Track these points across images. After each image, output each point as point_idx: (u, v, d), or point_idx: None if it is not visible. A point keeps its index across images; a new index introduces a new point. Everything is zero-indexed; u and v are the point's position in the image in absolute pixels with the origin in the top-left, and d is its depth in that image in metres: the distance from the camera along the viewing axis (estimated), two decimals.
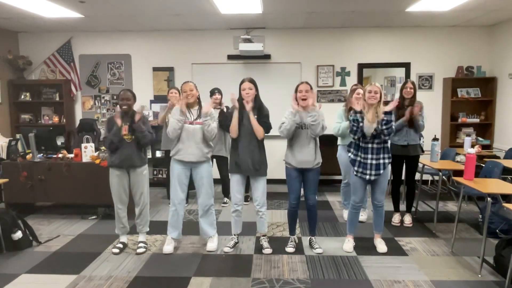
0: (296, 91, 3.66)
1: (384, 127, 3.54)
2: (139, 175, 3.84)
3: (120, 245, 3.93)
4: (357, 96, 4.35)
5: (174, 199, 3.82)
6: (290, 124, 3.58)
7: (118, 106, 3.84)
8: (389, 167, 3.79)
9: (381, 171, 3.67)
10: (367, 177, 3.69)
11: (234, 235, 4.00)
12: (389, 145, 3.72)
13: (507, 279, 3.04)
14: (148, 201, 3.97)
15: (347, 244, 3.89)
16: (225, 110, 5.01)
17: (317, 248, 3.85)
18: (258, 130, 3.65)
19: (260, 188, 3.79)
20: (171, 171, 3.82)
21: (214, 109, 5.07)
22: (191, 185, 3.92)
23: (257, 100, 3.72)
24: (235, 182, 3.82)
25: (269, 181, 3.86)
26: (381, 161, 3.66)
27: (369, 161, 3.66)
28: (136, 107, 3.87)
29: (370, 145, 3.64)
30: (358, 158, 3.71)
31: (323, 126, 3.61)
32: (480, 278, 3.28)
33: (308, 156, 3.67)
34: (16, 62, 6.50)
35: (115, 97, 6.80)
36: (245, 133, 3.70)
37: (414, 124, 4.35)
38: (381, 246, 3.86)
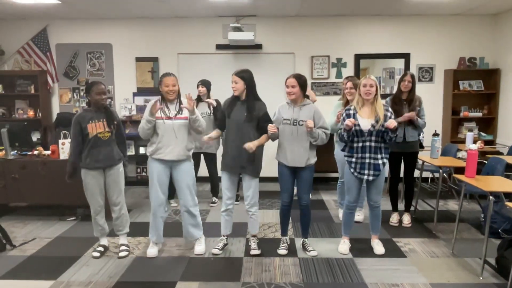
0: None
1: (391, 135, 3.59)
2: (116, 172, 3.80)
3: (101, 249, 3.91)
4: (347, 91, 4.33)
5: (154, 201, 3.78)
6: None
7: (91, 102, 3.67)
8: (387, 166, 3.81)
9: (380, 171, 3.69)
10: (365, 177, 3.71)
11: (223, 236, 4.00)
12: (387, 145, 3.72)
13: (510, 282, 3.08)
14: (124, 200, 3.94)
15: (343, 246, 3.92)
16: (215, 103, 4.99)
17: (311, 250, 3.87)
18: (264, 141, 3.70)
19: (250, 188, 3.77)
20: (150, 171, 3.77)
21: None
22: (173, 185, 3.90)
23: (248, 95, 3.68)
24: (225, 178, 3.81)
25: (261, 179, 3.86)
26: (380, 161, 3.66)
27: (367, 161, 3.67)
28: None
29: (368, 144, 3.64)
30: (354, 159, 3.72)
31: (326, 136, 3.64)
32: (481, 281, 3.33)
33: (300, 154, 3.63)
34: None
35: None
36: (233, 128, 3.69)
37: (413, 123, 4.37)
38: (378, 248, 3.89)
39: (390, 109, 3.69)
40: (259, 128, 3.67)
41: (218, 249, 3.90)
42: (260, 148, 3.75)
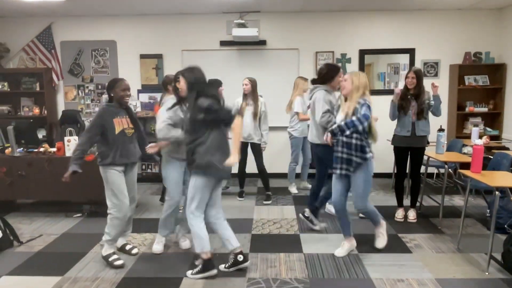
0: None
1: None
2: (135, 170, 3.78)
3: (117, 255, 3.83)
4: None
5: (168, 199, 3.73)
6: None
7: (113, 99, 3.60)
8: (369, 168, 3.56)
9: (353, 167, 3.51)
10: (338, 171, 3.58)
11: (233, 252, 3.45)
12: (364, 143, 3.48)
13: None
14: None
15: (339, 250, 3.78)
16: None
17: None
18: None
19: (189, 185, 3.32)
20: (165, 169, 3.70)
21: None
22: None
23: (190, 96, 3.22)
24: None
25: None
26: (354, 158, 3.49)
27: (339, 155, 3.56)
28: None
29: (340, 138, 3.52)
30: (334, 152, 3.64)
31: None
32: (487, 276, 3.32)
33: None
34: None
35: (99, 86, 6.76)
36: (187, 134, 3.35)
37: (423, 115, 4.36)
38: (379, 241, 3.84)
39: (363, 103, 3.42)
40: (210, 124, 3.19)
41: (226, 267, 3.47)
42: (207, 146, 3.19)
